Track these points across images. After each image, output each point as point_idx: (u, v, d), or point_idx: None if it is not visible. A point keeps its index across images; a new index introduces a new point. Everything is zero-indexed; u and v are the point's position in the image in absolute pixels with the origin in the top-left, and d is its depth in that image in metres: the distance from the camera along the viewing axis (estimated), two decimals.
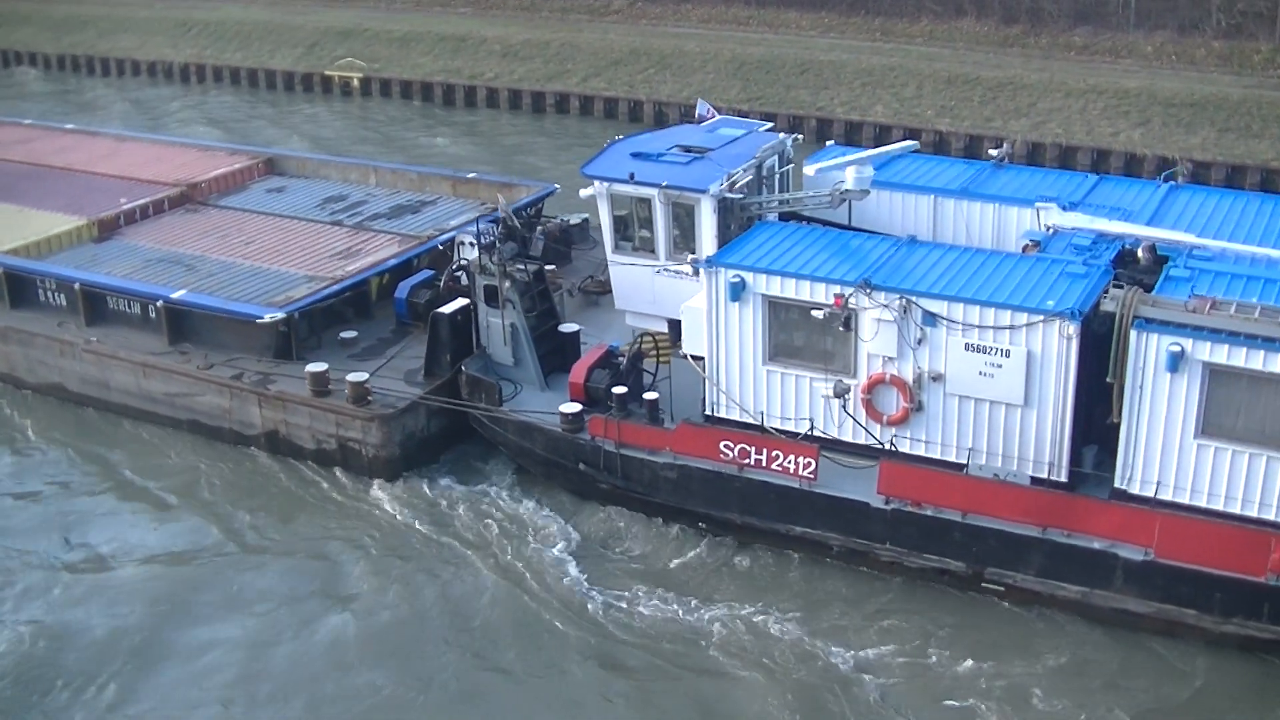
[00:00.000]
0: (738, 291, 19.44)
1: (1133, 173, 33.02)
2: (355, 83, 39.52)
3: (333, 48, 48.23)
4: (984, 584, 18.53)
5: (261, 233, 27.77)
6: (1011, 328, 17.98)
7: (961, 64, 40.81)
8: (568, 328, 22.51)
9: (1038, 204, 20.84)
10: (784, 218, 22.93)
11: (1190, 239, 19.65)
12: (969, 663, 17.32)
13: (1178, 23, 42.94)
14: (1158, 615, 17.68)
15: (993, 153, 24.55)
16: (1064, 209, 21.04)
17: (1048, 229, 20.48)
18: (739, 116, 37.37)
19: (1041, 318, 17.78)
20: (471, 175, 30.39)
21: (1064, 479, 18.43)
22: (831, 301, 18.60)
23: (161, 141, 34.25)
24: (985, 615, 18.30)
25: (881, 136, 36.73)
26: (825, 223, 22.27)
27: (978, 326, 18.16)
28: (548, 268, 24.93)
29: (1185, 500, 17.71)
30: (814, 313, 18.67)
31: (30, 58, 53.64)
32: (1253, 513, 17.37)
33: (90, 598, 19.13)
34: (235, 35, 51.12)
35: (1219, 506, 17.56)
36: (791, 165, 23.34)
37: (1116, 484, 18.12)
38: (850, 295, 18.48)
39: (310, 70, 47.55)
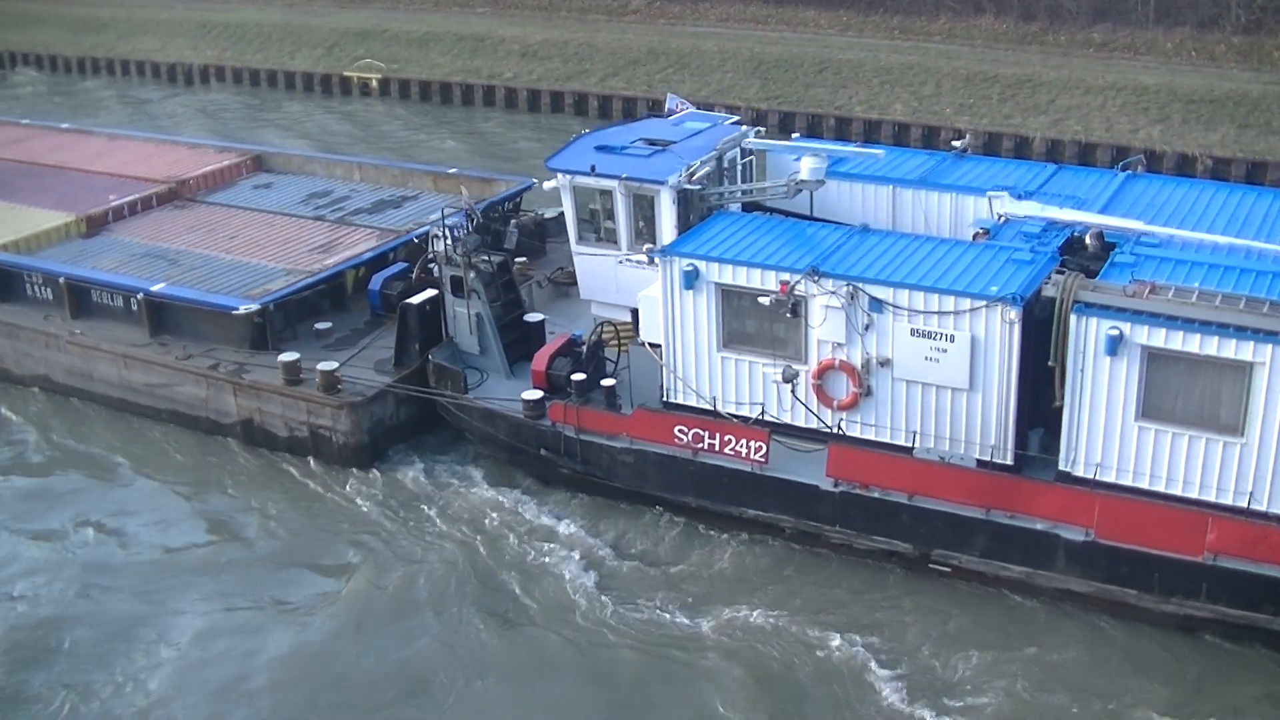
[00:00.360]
0: (691, 280, 19.84)
1: (1153, 169, 32.60)
2: (374, 83, 39.81)
3: (352, 49, 48.49)
4: (931, 565, 18.88)
5: (245, 228, 28.33)
6: (955, 313, 18.31)
7: (980, 61, 40.74)
8: (533, 317, 22.95)
9: (990, 193, 21.14)
10: (748, 208, 23.43)
11: (1138, 226, 19.91)
12: (925, 645, 17.71)
13: (1197, 19, 42.76)
14: (1099, 595, 17.99)
15: (955, 144, 24.92)
16: (1018, 198, 21.39)
17: (999, 217, 20.81)
18: (758, 115, 38.20)
19: (984, 303, 18.09)
20: (453, 170, 30.89)
21: (1010, 462, 18.75)
22: (777, 288, 19.04)
23: (154, 140, 34.84)
24: (935, 596, 18.68)
25: (900, 135, 36.93)
26: (787, 213, 22.72)
27: (923, 312, 18.50)
28: (519, 260, 25.55)
29: (1128, 482, 18.00)
30: (760, 299, 19.08)
31: (50, 60, 53.84)
32: (1193, 494, 17.67)
33: (61, 583, 19.72)
34: (255, 37, 51.36)
35: (1160, 488, 17.83)
36: (754, 157, 23.75)
37: (1061, 466, 18.42)
38: (797, 282, 18.86)
39: (329, 71, 47.75)
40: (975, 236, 20.44)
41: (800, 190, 21.55)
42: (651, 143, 23.05)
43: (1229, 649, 17.40)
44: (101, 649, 18.25)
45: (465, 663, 17.78)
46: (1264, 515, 17.12)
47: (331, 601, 19.17)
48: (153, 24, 54.45)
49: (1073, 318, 17.62)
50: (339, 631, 18.49)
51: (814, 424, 19.67)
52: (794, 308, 19.03)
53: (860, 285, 18.76)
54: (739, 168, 23.42)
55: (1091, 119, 36.53)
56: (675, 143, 22.89)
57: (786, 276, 18.86)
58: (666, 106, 26.44)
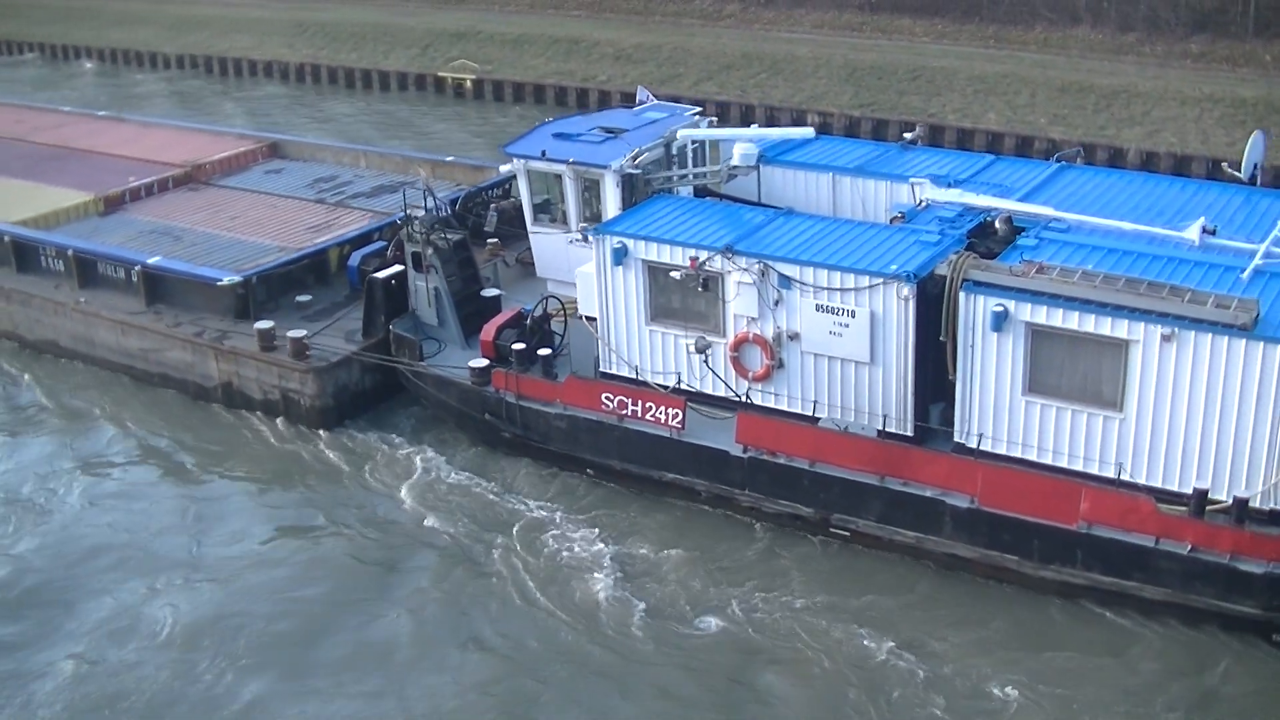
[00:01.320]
0: (620, 256, 21.08)
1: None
2: (468, 84, 40.20)
3: (446, 49, 48.77)
4: (831, 529, 19.91)
5: (250, 209, 30.16)
6: (855, 290, 19.32)
7: (1075, 71, 40.20)
8: (489, 292, 24.32)
9: (912, 180, 22.07)
10: (700, 194, 24.62)
11: (1048, 211, 20.73)
12: (822, 601, 18.80)
13: None
14: (983, 560, 18.88)
15: (907, 135, 25.86)
16: (947, 185, 22.25)
17: (921, 202, 21.74)
18: (850, 121, 38.74)
19: (881, 280, 19.10)
20: (450, 159, 32.45)
21: (909, 433, 19.71)
22: (689, 264, 20.20)
23: (181, 127, 36.98)
24: (834, 559, 19.69)
25: (994, 144, 36.41)
26: (735, 199, 23.85)
27: (826, 289, 19.55)
28: (491, 241, 27.02)
29: (1018, 454, 18.87)
30: (672, 274, 20.28)
31: (150, 58, 55.31)
32: (1078, 466, 18.50)
33: (43, 516, 21.70)
34: (350, 36, 52.10)
35: (1048, 460, 18.68)
36: (705, 144, 24.88)
37: (956, 438, 19.33)
38: (706, 259, 20.02)
39: (424, 71, 48.12)
40: (893, 220, 21.43)
41: (734, 175, 22.76)
42: (607, 130, 24.37)
43: (1104, 615, 18.19)
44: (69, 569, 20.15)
45: (384, 597, 19.29)
46: (1135, 486, 17.93)
47: (269, 544, 20.81)
48: (249, 22, 55.69)
49: (961, 295, 18.54)
50: (270, 564, 20.22)
51: (732, 393, 20.86)
52: (705, 283, 20.22)
53: (770, 263, 19.85)
54: (690, 154, 24.62)
55: (1187, 131, 35.72)
56: (628, 130, 24.18)
57: (694, 252, 20.05)
58: (638, 98, 27.76)
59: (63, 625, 19.03)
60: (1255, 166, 22.39)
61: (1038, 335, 18.27)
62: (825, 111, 39.33)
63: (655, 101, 27.24)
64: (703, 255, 20.00)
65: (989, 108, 38.70)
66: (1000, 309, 18.24)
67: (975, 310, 18.48)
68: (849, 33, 46.96)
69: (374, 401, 24.43)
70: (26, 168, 32.96)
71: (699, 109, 26.76)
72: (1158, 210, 21.02)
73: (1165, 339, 17.37)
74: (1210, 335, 17.13)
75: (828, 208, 23.62)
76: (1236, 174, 22.50)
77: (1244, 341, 16.97)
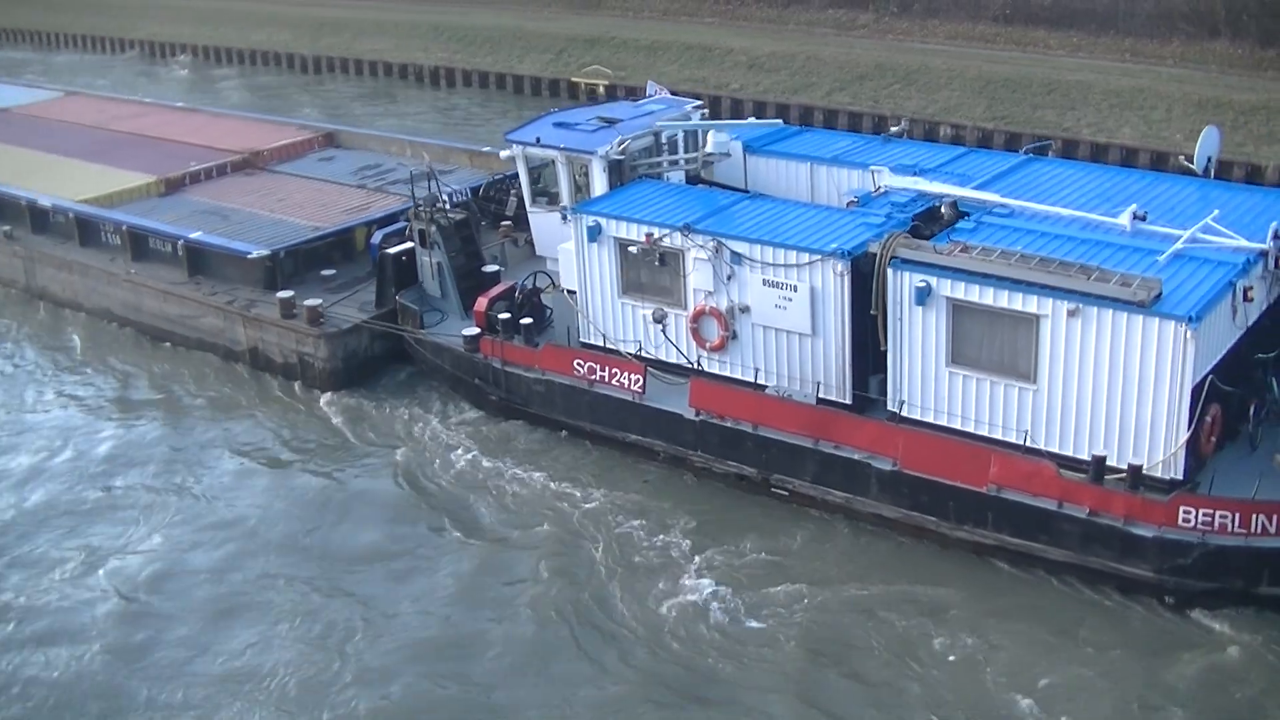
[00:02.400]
0: (594, 234, 22.81)
1: None
2: (601, 90, 38.71)
3: (580, 55, 49.14)
4: (772, 489, 21.36)
5: (296, 192, 32.54)
6: (797, 266, 20.76)
7: (1214, 87, 39.34)
8: (489, 268, 26.24)
9: (872, 167, 23.37)
10: (693, 181, 26.19)
11: (993, 198, 21.90)
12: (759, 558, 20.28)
13: None
14: (905, 520, 20.16)
15: (893, 129, 27.13)
16: (912, 174, 23.51)
17: (878, 188, 23.03)
18: (983, 134, 38.50)
19: (819, 257, 20.52)
20: (486, 149, 34.50)
21: (848, 401, 21.07)
22: (645, 239, 21.87)
23: (248, 118, 39.81)
24: (774, 518, 21.12)
25: (1128, 159, 35.68)
26: (725, 186, 25.39)
27: (771, 265, 21.02)
28: (504, 223, 29.00)
29: (943, 422, 20.11)
30: (630, 248, 21.96)
31: (288, 59, 57.08)
32: (998, 435, 19.65)
33: (73, 455, 24.33)
34: (485, 40, 53.01)
35: (970, 429, 19.89)
36: (699, 134, 26.42)
37: (889, 407, 20.66)
38: (661, 236, 21.65)
39: (557, 76, 48.41)
40: (849, 204, 22.78)
41: (710, 161, 24.36)
42: (605, 120, 26.11)
43: (1014, 573, 19.34)
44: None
45: (377, 541, 21.35)
46: (1042, 453, 19.05)
47: (272, 488, 23.04)
48: (387, 25, 57.08)
49: (889, 271, 19.86)
50: (273, 503, 22.47)
51: (686, 361, 22.44)
52: (661, 258, 21.86)
53: (723, 241, 21.40)
54: (681, 143, 26.21)
55: None
56: (622, 121, 25.90)
57: (650, 230, 21.70)
58: (647, 91, 29.46)
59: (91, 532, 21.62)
60: (1208, 159, 23.18)
61: (958, 310, 19.50)
62: (958, 124, 39.18)
63: (664, 95, 28.92)
64: (658, 231, 21.66)
65: (1124, 123, 37.92)
66: (923, 284, 19.51)
67: (902, 286, 19.78)
68: (983, 44, 46.49)
69: (383, 367, 26.50)
70: (100, 152, 35.95)
71: (700, 102, 28.37)
72: (1109, 199, 21.97)
73: (1071, 314, 18.49)
74: (1111, 311, 18.21)
75: (805, 194, 25.01)
76: (1191, 166, 23.32)
77: (1142, 317, 18.02)
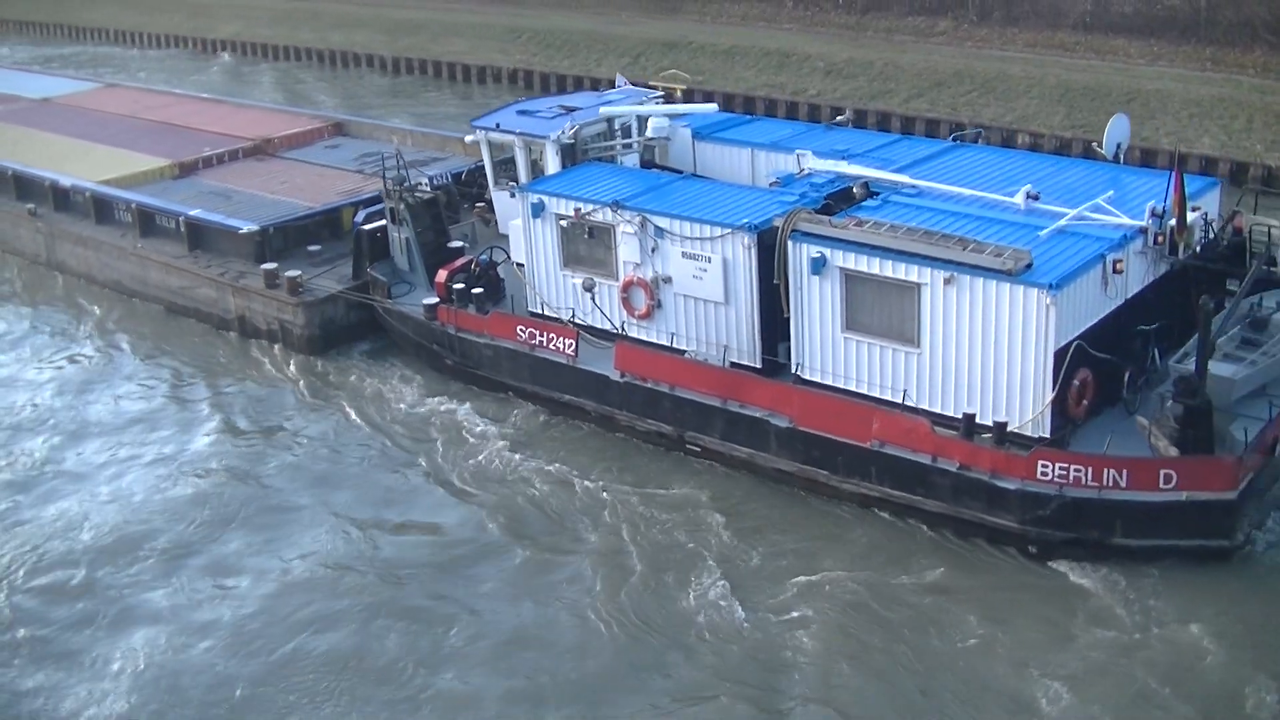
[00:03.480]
0: (538, 211, 24.62)
1: None
2: (678, 94, 38.03)
3: (658, 59, 49.32)
4: (686, 446, 23.01)
5: (298, 176, 34.81)
6: (711, 239, 22.39)
7: None
8: (454, 244, 28.14)
9: (797, 151, 24.91)
10: (647, 165, 27.90)
11: (904, 179, 23.38)
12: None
13: None
14: (800, 474, 21.70)
15: (838, 118, 28.63)
16: (842, 158, 25.01)
17: (802, 170, 24.57)
18: (1060, 143, 37.83)
19: (729, 231, 22.14)
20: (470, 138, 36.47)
21: (759, 365, 22.65)
22: (574, 214, 23.70)
23: (266, 108, 42.26)
24: (687, 473, 22.77)
25: (1208, 168, 35.32)
26: (670, 168, 27.09)
27: (689, 238, 22.67)
28: (479, 205, 30.90)
29: (839, 384, 21.63)
30: (560, 222, 23.73)
31: (368, 59, 58.31)
32: (887, 396, 21.11)
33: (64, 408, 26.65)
34: (563, 44, 53.44)
35: (863, 390, 21.37)
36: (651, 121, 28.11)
37: (793, 370, 22.21)
38: (589, 211, 23.42)
39: (635, 80, 47.91)
40: (771, 185, 24.36)
41: (652, 145, 26.10)
42: (565, 108, 27.93)
43: (894, 523, 20.82)
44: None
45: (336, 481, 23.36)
46: (922, 412, 20.49)
47: (245, 438, 25.19)
48: (465, 27, 57.81)
49: (790, 244, 21.43)
50: (244, 455, 24.51)
51: (612, 327, 24.16)
52: (590, 231, 23.63)
53: (648, 216, 23.10)
54: (634, 129, 27.92)
55: None
56: (579, 109, 27.69)
57: (579, 205, 23.47)
58: (616, 83, 31.24)
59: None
60: (1118, 146, 24.39)
61: (850, 279, 21.00)
62: (1035, 132, 39.15)
63: (630, 87, 30.67)
64: (585, 206, 23.44)
65: (1204, 131, 37.73)
66: (818, 255, 21.05)
67: (800, 257, 21.32)
68: (1062, 52, 46.10)
69: (358, 335, 28.54)
70: (125, 139, 38.51)
71: (661, 94, 30.06)
72: (1016, 181, 23.24)
73: (947, 282, 19.92)
74: (983, 279, 19.62)
75: (747, 176, 26.62)
76: (1101, 152, 24.55)
77: (1009, 285, 19.41)
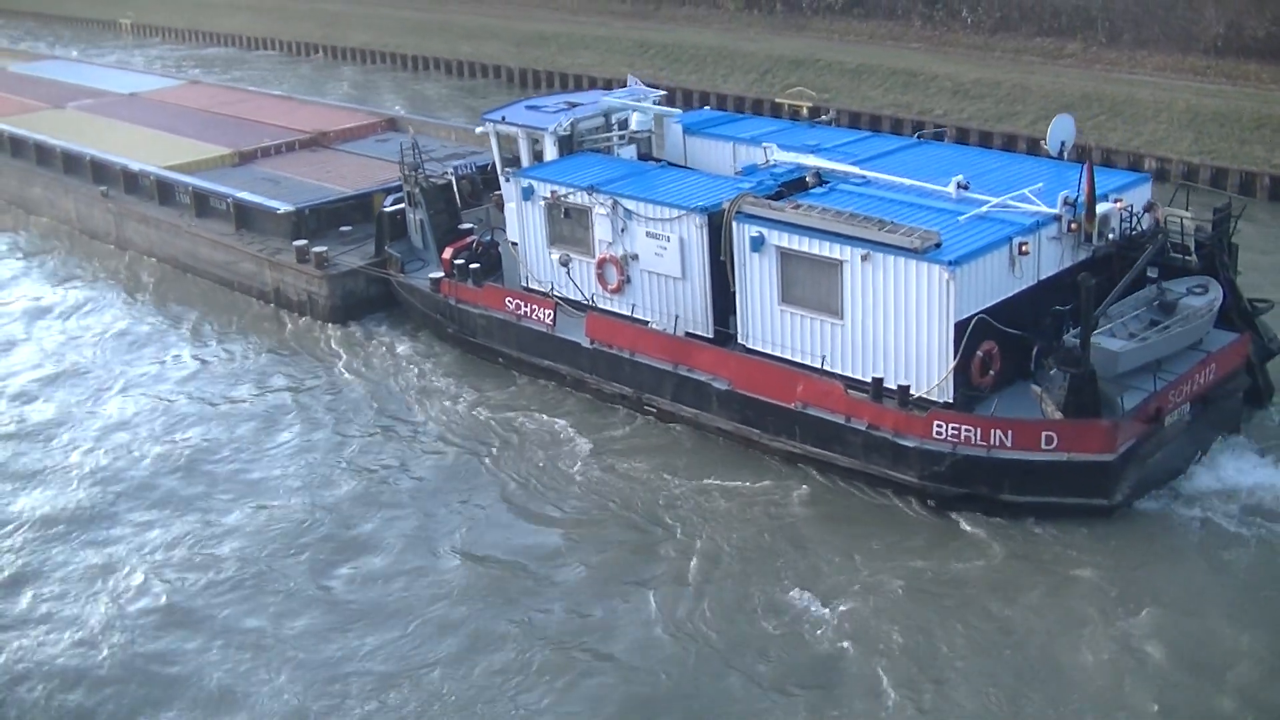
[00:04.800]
0: (528, 194, 27.26)
1: None
2: (804, 111, 37.14)
3: (784, 75, 49.33)
4: (644, 407, 25.41)
5: (345, 165, 37.98)
6: (669, 220, 24.78)
7: None
8: (465, 226, 30.92)
9: (764, 144, 27.16)
10: (644, 157, 30.33)
11: (854, 170, 25.50)
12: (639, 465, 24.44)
13: None
14: (737, 432, 23.96)
15: (824, 117, 30.76)
16: (810, 152, 27.18)
17: (767, 161, 26.81)
18: (1188, 169, 37.56)
19: (684, 212, 24.50)
20: None
21: (710, 335, 24.94)
22: (550, 196, 26.32)
23: (330, 105, 45.72)
24: (647, 433, 25.19)
25: None
26: (670, 163, 29.44)
27: (652, 219, 25.08)
28: (496, 193, 33.63)
29: (778, 353, 23.82)
30: (539, 201, 26.33)
31: (495, 70, 59.34)
32: (817, 364, 23.25)
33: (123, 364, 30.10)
34: (690, 59, 53.78)
35: (797, 358, 23.54)
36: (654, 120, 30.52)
37: (739, 340, 24.46)
38: (567, 194, 25.97)
39: (761, 96, 48.53)
40: (737, 174, 26.65)
41: (635, 139, 28.57)
42: (569, 104, 30.53)
43: (815, 478, 22.94)
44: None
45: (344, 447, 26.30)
46: (840, 377, 22.60)
47: (265, 388, 28.29)
48: (592, 40, 58.45)
49: (734, 224, 23.72)
50: (265, 396, 27.60)
51: (591, 300, 26.66)
52: (566, 212, 26.18)
53: (618, 199, 25.58)
54: (630, 125, 30.35)
55: None
56: (581, 105, 30.27)
57: (556, 188, 26.05)
58: (628, 83, 33.73)
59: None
60: (1062, 144, 26.11)
61: (785, 257, 23.22)
62: (1164, 157, 38.58)
63: (640, 87, 33.12)
64: (563, 190, 26.03)
65: None
66: (757, 235, 23.31)
67: (743, 236, 23.61)
68: (1192, 76, 45.22)
69: (377, 306, 31.54)
70: (195, 130, 42.19)
71: (663, 93, 32.46)
72: (966, 175, 25.00)
73: (864, 259, 22.04)
74: (894, 256, 21.71)
75: (729, 168, 28.89)
76: (1047, 150, 26.31)
77: (916, 262, 21.46)
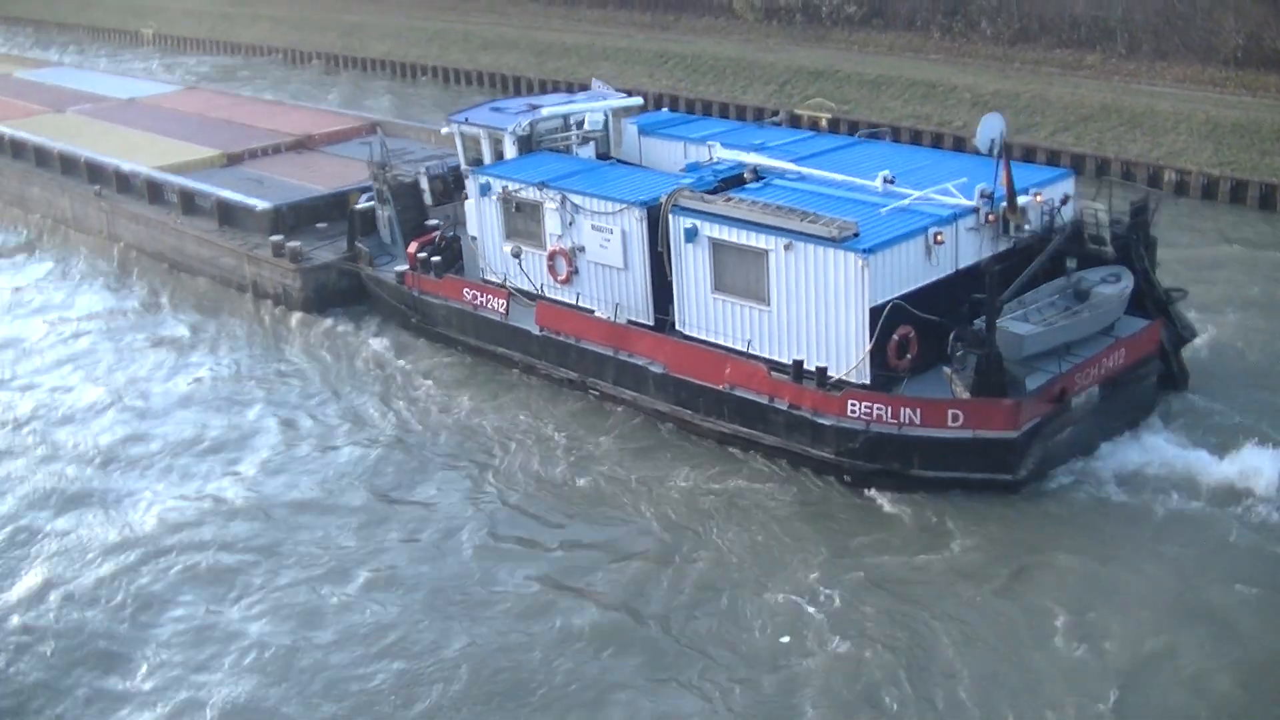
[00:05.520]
0: (485, 191, 28.65)
1: None
2: (823, 123, 38.01)
3: (804, 87, 49.72)
4: (588, 390, 26.73)
5: (326, 166, 39.48)
6: (611, 214, 26.11)
7: None
8: (431, 222, 32.29)
9: (709, 142, 28.49)
10: (603, 157, 31.66)
11: (789, 166, 26.79)
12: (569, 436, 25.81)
13: None
14: (672, 414, 25.27)
15: (772, 119, 32.04)
16: (753, 150, 28.48)
17: (711, 159, 28.12)
18: (1208, 181, 37.96)
19: (625, 206, 25.83)
20: None
21: (651, 322, 26.23)
22: (502, 190, 27.74)
23: (319, 110, 47.34)
24: (587, 414, 26.52)
25: None
26: (623, 160, 30.80)
27: (596, 213, 26.41)
28: (465, 191, 35.03)
29: (713, 339, 25.09)
30: (495, 196, 27.72)
31: (515, 81, 59.38)
32: (744, 347, 24.51)
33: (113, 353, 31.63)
34: (710, 70, 54.06)
35: (730, 344, 24.81)
36: (611, 120, 31.81)
37: (676, 326, 25.74)
38: (519, 190, 27.36)
39: (780, 107, 48.29)
40: (680, 171, 27.97)
41: (591, 139, 29.93)
42: (531, 106, 31.93)
43: (741, 457, 24.20)
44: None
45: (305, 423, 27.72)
46: (762, 359, 23.87)
47: (238, 374, 29.74)
48: (613, 51, 58.70)
49: (670, 217, 25.02)
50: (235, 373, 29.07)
51: (540, 289, 28.01)
52: (518, 206, 27.56)
53: (566, 194, 26.92)
54: (598, 126, 31.64)
55: None
56: (541, 106, 31.65)
57: (509, 185, 27.45)
58: (592, 86, 35.11)
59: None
60: (992, 141, 27.23)
61: (716, 247, 24.51)
62: (1183, 169, 38.80)
63: (604, 89, 34.48)
64: (515, 186, 27.41)
65: None
66: (691, 226, 24.61)
67: (678, 228, 24.92)
68: (1212, 88, 45.05)
69: (348, 299, 32.94)
70: (188, 133, 43.77)
71: (628, 95, 33.82)
72: (900, 171, 26.13)
73: (787, 249, 23.31)
74: (814, 245, 22.97)
75: (679, 166, 30.18)
76: (979, 149, 27.51)
77: (833, 250, 22.72)
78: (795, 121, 45.61)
